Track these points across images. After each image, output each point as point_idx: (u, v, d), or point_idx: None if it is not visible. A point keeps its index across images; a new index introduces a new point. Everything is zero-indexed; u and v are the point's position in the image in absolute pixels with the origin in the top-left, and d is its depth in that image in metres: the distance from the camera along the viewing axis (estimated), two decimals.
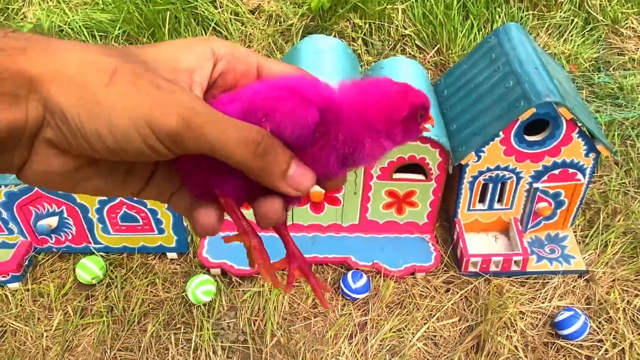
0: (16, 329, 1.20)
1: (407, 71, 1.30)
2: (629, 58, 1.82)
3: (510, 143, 1.16)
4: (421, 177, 1.24)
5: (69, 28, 1.88)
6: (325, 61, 1.24)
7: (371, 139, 0.35)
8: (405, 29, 1.82)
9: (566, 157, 1.19)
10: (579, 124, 1.12)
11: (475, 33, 1.79)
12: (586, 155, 1.18)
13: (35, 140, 0.30)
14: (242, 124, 0.31)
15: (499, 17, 1.83)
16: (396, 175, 1.24)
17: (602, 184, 1.44)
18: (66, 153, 0.31)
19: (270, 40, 1.86)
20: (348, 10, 1.79)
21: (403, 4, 1.83)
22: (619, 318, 1.18)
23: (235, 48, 0.36)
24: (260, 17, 1.95)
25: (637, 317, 1.19)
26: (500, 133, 1.14)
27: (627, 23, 1.89)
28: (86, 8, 1.95)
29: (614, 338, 1.16)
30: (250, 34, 1.90)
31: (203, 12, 1.87)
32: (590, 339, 1.16)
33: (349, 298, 1.22)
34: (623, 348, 1.14)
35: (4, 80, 0.28)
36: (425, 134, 1.14)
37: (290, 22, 1.88)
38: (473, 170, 1.21)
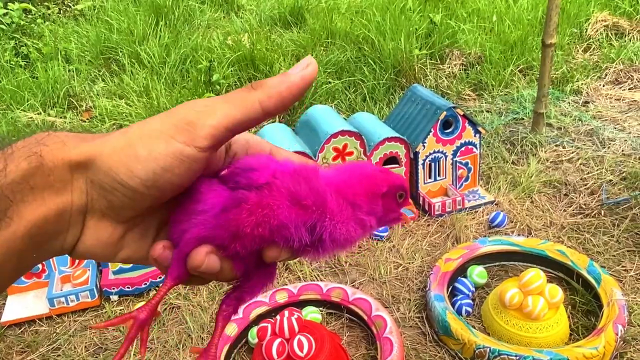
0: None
1: (364, 117, 2.32)
2: (473, 110, 3.05)
3: (438, 135, 2.18)
4: (397, 165, 2.20)
5: None
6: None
7: (351, 215, 0.40)
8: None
9: (465, 138, 2.24)
10: (468, 118, 2.20)
11: (383, 106, 2.90)
12: (474, 135, 2.25)
13: (86, 216, 0.37)
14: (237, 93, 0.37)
15: (395, 99, 2.98)
16: (385, 166, 2.18)
17: (487, 164, 2.51)
18: (113, 220, 0.38)
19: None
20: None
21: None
22: (519, 214, 2.17)
23: (251, 136, 0.42)
24: None
25: (527, 211, 2.19)
26: (432, 129, 2.16)
27: (465, 92, 3.16)
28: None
29: (520, 224, 2.13)
30: None
31: None
32: (508, 225, 2.13)
33: (376, 237, 2.07)
34: (527, 224, 2.11)
35: (52, 171, 0.35)
36: (394, 134, 2.12)
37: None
38: (422, 155, 2.20)
